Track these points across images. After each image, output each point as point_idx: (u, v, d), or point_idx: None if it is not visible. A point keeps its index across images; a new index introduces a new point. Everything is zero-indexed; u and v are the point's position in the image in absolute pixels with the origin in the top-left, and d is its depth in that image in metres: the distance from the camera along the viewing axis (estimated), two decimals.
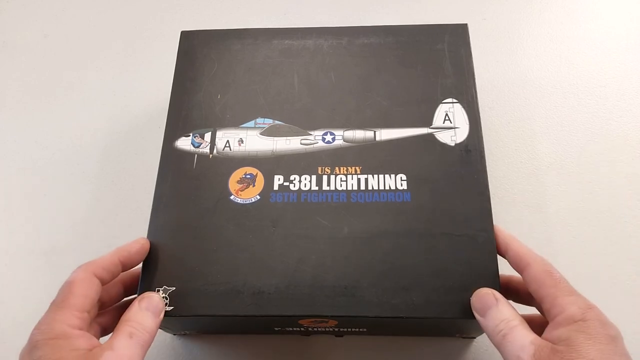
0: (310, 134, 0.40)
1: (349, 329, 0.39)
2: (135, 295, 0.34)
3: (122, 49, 0.58)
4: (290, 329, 0.39)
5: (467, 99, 0.41)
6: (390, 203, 0.37)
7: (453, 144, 0.39)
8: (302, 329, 0.38)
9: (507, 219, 0.46)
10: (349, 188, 0.38)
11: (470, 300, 0.33)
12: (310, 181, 0.38)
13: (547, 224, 0.46)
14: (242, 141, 0.40)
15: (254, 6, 0.60)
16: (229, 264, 0.35)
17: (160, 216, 0.38)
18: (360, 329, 0.39)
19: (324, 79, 0.42)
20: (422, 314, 0.33)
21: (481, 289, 0.33)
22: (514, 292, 0.36)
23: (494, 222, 0.36)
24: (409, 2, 0.59)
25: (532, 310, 0.35)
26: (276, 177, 0.38)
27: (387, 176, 0.38)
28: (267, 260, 0.35)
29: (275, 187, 0.38)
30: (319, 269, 0.35)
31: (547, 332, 0.29)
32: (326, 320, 0.35)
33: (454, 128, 0.39)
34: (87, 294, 0.31)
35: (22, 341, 0.42)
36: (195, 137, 0.40)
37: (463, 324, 0.36)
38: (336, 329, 0.38)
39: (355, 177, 0.38)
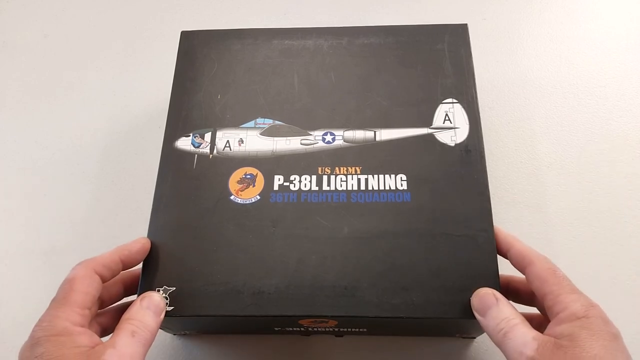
0: (310, 134, 0.40)
1: (349, 329, 0.39)
2: (136, 296, 0.34)
3: (122, 49, 0.58)
4: (290, 329, 0.39)
5: (467, 99, 0.41)
6: (390, 203, 0.37)
7: (453, 144, 0.39)
8: (302, 329, 0.38)
9: (507, 219, 0.46)
10: (349, 188, 0.38)
11: (470, 300, 0.33)
12: (310, 181, 0.38)
13: (547, 224, 0.46)
14: (242, 141, 0.40)
15: (254, 6, 0.60)
16: (229, 264, 0.35)
17: (160, 216, 0.38)
18: (360, 329, 0.39)
19: (324, 79, 0.42)
20: (422, 314, 0.33)
21: (481, 289, 0.33)
22: (514, 292, 0.36)
23: (494, 222, 0.36)
24: (409, 2, 0.59)
25: (531, 311, 0.35)
26: (276, 177, 0.38)
27: (387, 176, 0.38)
28: (267, 260, 0.35)
29: (276, 187, 0.38)
30: (319, 269, 0.35)
31: (550, 328, 0.29)
32: (326, 320, 0.35)
33: (454, 128, 0.39)
34: (88, 290, 0.31)
35: (22, 341, 0.42)
36: (195, 137, 0.40)
37: (463, 324, 0.36)
38: (336, 329, 0.38)
39: (355, 177, 0.38)
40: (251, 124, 0.41)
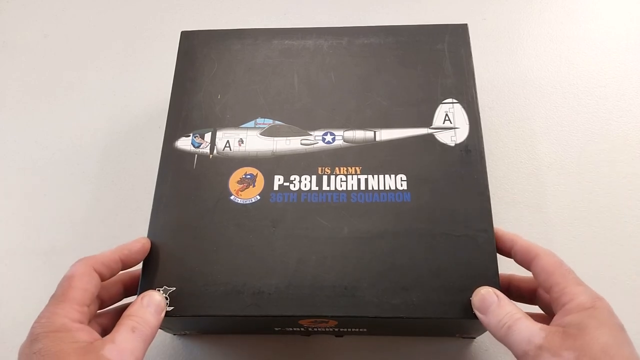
0: (310, 134, 0.40)
1: (349, 329, 0.39)
2: (136, 297, 0.34)
3: (122, 49, 0.58)
4: (291, 329, 0.39)
5: (467, 99, 0.41)
6: (390, 203, 0.37)
7: (453, 144, 0.39)
8: (302, 329, 0.38)
9: (507, 219, 0.46)
10: (349, 188, 0.38)
11: (470, 300, 0.33)
12: (310, 181, 0.38)
13: (547, 224, 0.46)
14: (242, 141, 0.40)
15: (254, 6, 0.60)
16: (229, 264, 0.35)
17: (160, 216, 0.38)
18: (360, 329, 0.39)
19: (324, 79, 0.42)
20: (422, 314, 0.33)
21: (481, 287, 0.33)
22: (516, 290, 0.36)
23: (494, 222, 0.36)
24: (409, 2, 0.59)
25: (533, 311, 0.35)
26: (276, 177, 0.38)
27: (387, 176, 0.38)
28: (267, 260, 0.35)
29: (276, 187, 0.38)
30: (319, 269, 0.35)
31: (557, 319, 0.29)
32: (326, 320, 0.35)
33: (454, 128, 0.39)
34: (87, 287, 0.31)
35: (22, 341, 0.42)
36: (195, 137, 0.40)
37: (463, 324, 0.36)
38: (336, 329, 0.38)
39: (355, 177, 0.38)
40: (251, 124, 0.41)
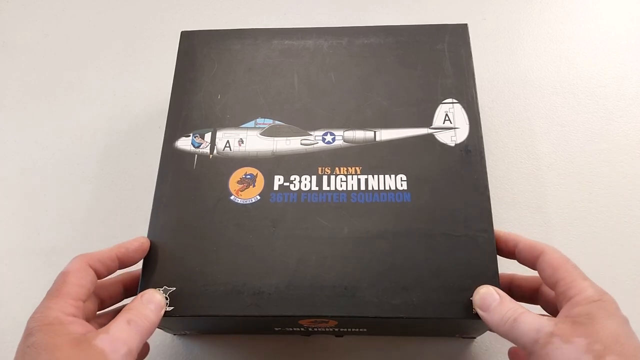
0: (310, 134, 0.40)
1: (349, 329, 0.39)
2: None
3: (122, 49, 0.58)
4: (291, 329, 0.39)
5: (467, 99, 0.41)
6: (390, 203, 0.37)
7: (453, 144, 0.39)
8: (302, 329, 0.38)
9: (507, 219, 0.46)
10: (349, 188, 0.38)
11: (471, 298, 0.33)
12: (310, 181, 0.38)
13: (547, 224, 0.46)
14: (242, 141, 0.40)
15: (254, 6, 0.60)
16: (229, 264, 0.35)
17: (160, 216, 0.38)
18: (360, 329, 0.39)
19: (324, 79, 0.42)
20: (422, 314, 0.33)
21: (482, 286, 0.33)
22: (517, 290, 0.36)
23: (494, 222, 0.36)
24: (409, 2, 0.59)
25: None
26: (276, 177, 0.38)
27: (387, 176, 0.38)
28: (267, 260, 0.35)
29: (276, 187, 0.38)
30: (319, 269, 0.35)
31: (564, 311, 0.30)
32: (326, 320, 0.35)
33: (454, 128, 0.39)
34: (82, 283, 0.31)
35: None
36: (195, 137, 0.40)
37: (463, 323, 0.36)
38: (336, 329, 0.38)
39: (355, 177, 0.38)
40: (251, 124, 0.41)
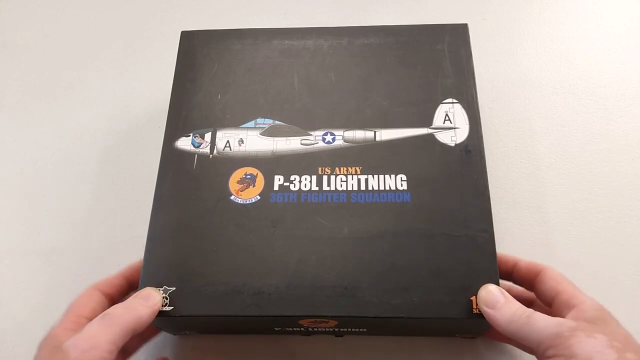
0: (311, 134, 0.40)
1: (349, 329, 0.39)
2: None
3: (122, 49, 0.58)
4: (290, 329, 0.39)
5: (467, 99, 0.41)
6: (390, 203, 0.37)
7: (453, 144, 0.39)
8: (302, 329, 0.38)
9: (507, 219, 0.46)
10: (349, 188, 0.38)
11: (476, 297, 0.33)
12: (310, 181, 0.38)
13: (547, 224, 0.46)
14: (242, 141, 0.40)
15: (254, 6, 0.60)
16: (229, 264, 0.35)
17: (160, 216, 0.38)
18: (360, 329, 0.39)
19: (324, 79, 0.42)
20: (422, 314, 0.33)
21: (487, 284, 0.33)
22: (517, 273, 0.37)
23: (494, 222, 0.36)
24: (409, 2, 0.59)
25: None
26: (276, 177, 0.38)
27: (387, 176, 0.38)
28: (267, 260, 0.35)
29: (276, 187, 0.38)
30: (319, 269, 0.35)
31: (574, 314, 0.31)
32: (326, 320, 0.35)
33: (454, 128, 0.39)
34: (84, 302, 0.34)
35: (22, 341, 0.42)
36: (195, 137, 0.40)
37: (463, 323, 0.36)
38: (336, 329, 0.38)
39: (355, 177, 0.38)
40: (251, 124, 0.41)
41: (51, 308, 0.43)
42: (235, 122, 0.41)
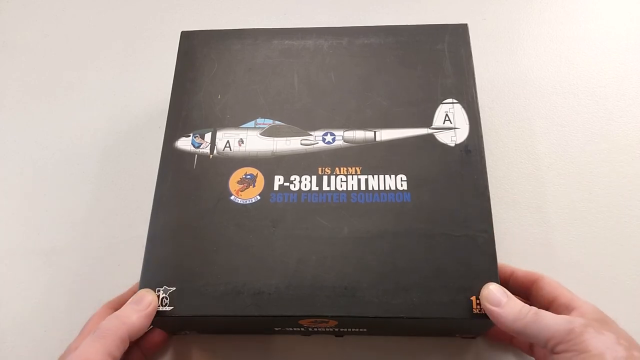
0: (311, 134, 0.40)
1: (349, 329, 0.39)
2: None
3: (122, 49, 0.58)
4: (290, 329, 0.39)
5: (467, 99, 0.41)
6: (390, 203, 0.37)
7: (453, 145, 0.39)
8: (302, 329, 0.38)
9: (507, 219, 0.46)
10: (349, 188, 0.38)
11: (479, 295, 0.33)
12: (310, 181, 0.38)
13: (547, 224, 0.46)
14: (242, 141, 0.40)
15: (254, 6, 0.60)
16: (229, 264, 0.35)
17: (160, 216, 0.38)
18: (360, 329, 0.39)
19: (324, 79, 0.42)
20: (422, 314, 0.33)
21: (490, 283, 0.34)
22: (514, 282, 0.37)
23: (494, 222, 0.36)
24: (409, 2, 0.59)
25: None
26: (276, 177, 0.38)
27: (387, 176, 0.38)
28: (267, 260, 0.35)
29: (276, 188, 0.38)
30: (319, 269, 0.35)
31: (577, 314, 0.31)
32: (326, 320, 0.35)
33: (454, 128, 0.39)
34: (97, 320, 0.36)
35: (22, 341, 0.42)
36: (195, 137, 0.40)
37: (463, 323, 0.36)
38: (336, 329, 0.38)
39: (355, 177, 0.38)
40: (251, 124, 0.41)
41: (51, 308, 0.43)
42: (235, 122, 0.41)
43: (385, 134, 0.40)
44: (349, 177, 0.38)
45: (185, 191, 0.38)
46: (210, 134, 0.40)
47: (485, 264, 0.34)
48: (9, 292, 0.46)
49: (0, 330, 0.44)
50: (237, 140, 0.40)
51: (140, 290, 0.35)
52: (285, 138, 0.40)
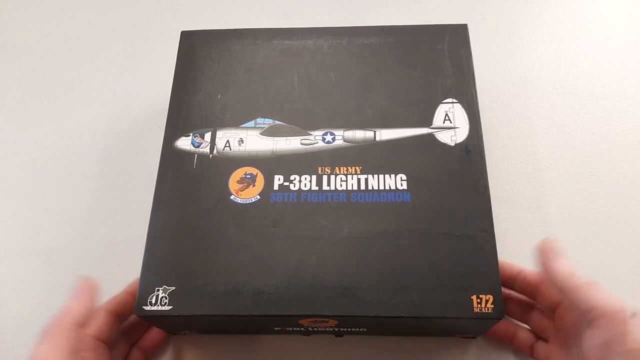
0: (310, 134, 0.40)
1: (349, 329, 0.39)
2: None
3: (122, 49, 0.58)
4: (290, 329, 0.39)
5: (467, 99, 0.41)
6: (390, 203, 0.37)
7: (453, 144, 0.39)
8: (302, 329, 0.38)
9: (507, 219, 0.46)
10: (349, 188, 0.38)
11: (537, 247, 0.34)
12: (310, 181, 0.38)
13: (547, 224, 0.45)
14: (242, 141, 0.40)
15: (254, 6, 0.60)
16: (229, 264, 0.35)
17: (160, 216, 0.38)
18: (360, 329, 0.39)
19: (324, 79, 0.42)
20: (422, 314, 0.33)
21: (547, 238, 0.34)
22: (522, 281, 0.37)
23: (494, 222, 0.36)
24: (409, 2, 0.59)
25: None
26: (276, 177, 0.38)
27: (387, 176, 0.38)
28: (267, 260, 0.35)
29: (276, 187, 0.38)
30: (319, 269, 0.35)
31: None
32: (326, 320, 0.35)
33: (454, 128, 0.39)
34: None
35: (22, 341, 0.42)
36: (195, 137, 0.40)
37: (463, 323, 0.36)
38: (336, 329, 0.38)
39: (355, 177, 0.38)
40: (251, 123, 0.41)
41: (51, 308, 0.43)
42: (235, 122, 0.41)
43: (385, 134, 0.40)
44: (349, 176, 0.38)
45: (185, 191, 0.38)
46: (210, 133, 0.40)
47: (486, 263, 0.34)
48: (9, 292, 0.46)
49: (0, 330, 0.44)
50: (237, 140, 0.40)
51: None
52: (285, 138, 0.40)
